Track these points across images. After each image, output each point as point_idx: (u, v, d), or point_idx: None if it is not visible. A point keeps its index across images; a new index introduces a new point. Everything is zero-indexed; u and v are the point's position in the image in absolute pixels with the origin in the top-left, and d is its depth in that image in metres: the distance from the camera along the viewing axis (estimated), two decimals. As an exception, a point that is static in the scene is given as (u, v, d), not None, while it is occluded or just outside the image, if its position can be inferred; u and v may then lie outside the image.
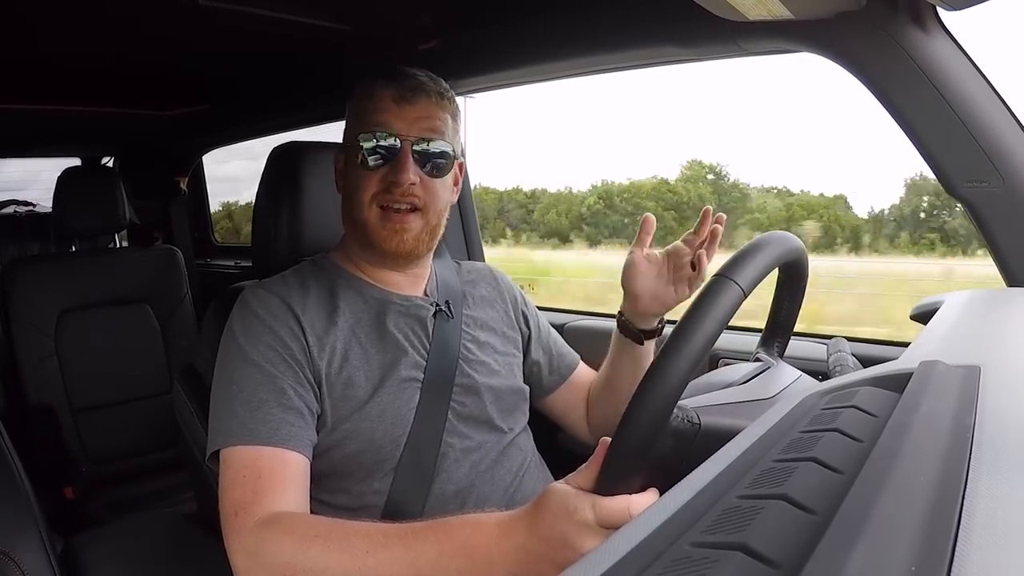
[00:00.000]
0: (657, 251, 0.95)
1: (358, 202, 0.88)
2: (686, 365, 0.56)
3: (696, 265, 0.90)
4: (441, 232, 0.94)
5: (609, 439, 0.58)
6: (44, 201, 2.64)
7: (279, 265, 0.98)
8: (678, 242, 0.94)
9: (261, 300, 0.87)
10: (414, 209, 0.88)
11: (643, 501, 0.59)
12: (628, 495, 0.58)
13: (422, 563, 0.63)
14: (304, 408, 0.81)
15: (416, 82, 0.89)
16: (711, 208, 0.92)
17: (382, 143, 0.87)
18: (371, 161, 0.87)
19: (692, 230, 0.93)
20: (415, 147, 0.87)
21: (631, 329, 0.97)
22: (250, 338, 0.83)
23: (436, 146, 0.89)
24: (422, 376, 0.89)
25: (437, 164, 0.89)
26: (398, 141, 0.87)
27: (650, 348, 0.99)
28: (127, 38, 1.53)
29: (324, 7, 1.34)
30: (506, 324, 1.03)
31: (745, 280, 0.60)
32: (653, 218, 0.95)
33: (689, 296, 0.95)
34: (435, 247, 0.96)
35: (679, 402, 0.62)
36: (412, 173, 0.87)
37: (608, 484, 0.59)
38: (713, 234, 0.91)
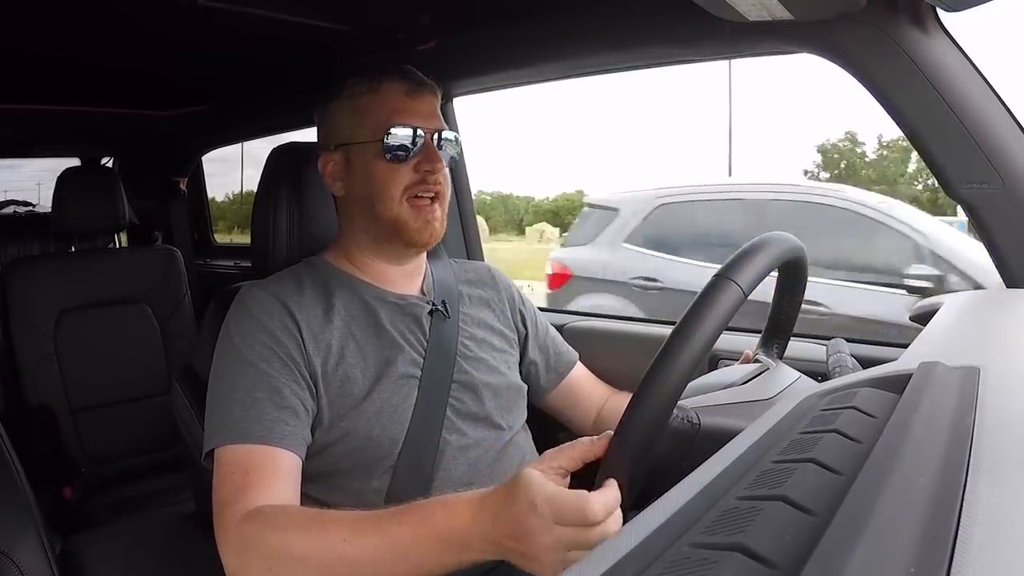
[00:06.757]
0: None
1: (387, 197, 0.90)
2: (685, 365, 0.56)
3: None
4: None
5: (611, 433, 0.58)
6: (42, 179, 2.61)
7: (278, 265, 0.98)
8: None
9: (256, 299, 0.87)
10: (435, 198, 0.91)
11: (601, 499, 0.57)
12: (585, 492, 0.57)
13: (397, 547, 0.63)
14: (299, 407, 0.81)
15: (419, 76, 0.93)
16: None
17: (414, 135, 0.89)
18: (400, 154, 0.89)
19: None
20: (434, 137, 0.91)
21: None
22: (245, 337, 0.83)
23: (447, 135, 0.92)
24: (420, 373, 0.89)
25: (449, 153, 0.93)
26: (423, 132, 0.90)
27: None
28: (126, 38, 1.52)
29: (323, 8, 1.34)
30: (503, 323, 1.04)
31: (745, 280, 0.60)
32: None
33: None
34: None
35: (679, 402, 0.62)
36: (441, 161, 0.90)
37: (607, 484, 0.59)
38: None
